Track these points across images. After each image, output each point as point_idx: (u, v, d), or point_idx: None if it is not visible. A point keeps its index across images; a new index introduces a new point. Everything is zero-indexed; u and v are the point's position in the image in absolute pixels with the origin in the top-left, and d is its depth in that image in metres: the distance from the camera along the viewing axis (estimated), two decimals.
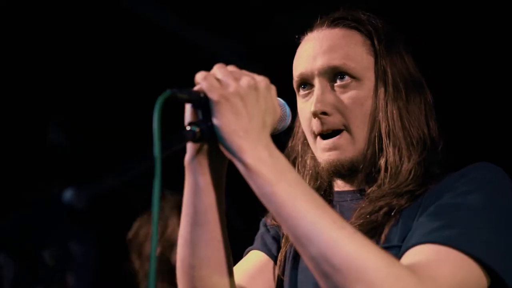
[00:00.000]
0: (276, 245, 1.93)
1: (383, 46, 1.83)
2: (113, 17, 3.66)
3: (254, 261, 1.93)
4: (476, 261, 1.48)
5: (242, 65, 1.53)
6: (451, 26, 3.23)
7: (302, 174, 1.91)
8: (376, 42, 1.83)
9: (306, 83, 1.85)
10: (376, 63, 1.82)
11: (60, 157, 3.73)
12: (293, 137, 1.97)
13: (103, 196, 1.26)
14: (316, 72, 1.81)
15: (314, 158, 1.90)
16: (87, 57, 3.79)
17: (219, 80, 1.45)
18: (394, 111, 1.77)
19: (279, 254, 1.90)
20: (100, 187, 1.26)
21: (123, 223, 3.36)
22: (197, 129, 1.44)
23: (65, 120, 3.83)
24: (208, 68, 1.52)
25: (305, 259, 1.43)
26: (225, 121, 1.42)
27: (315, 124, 1.80)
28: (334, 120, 1.79)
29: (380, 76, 1.80)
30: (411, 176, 1.73)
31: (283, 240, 1.92)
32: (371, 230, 1.68)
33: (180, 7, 3.71)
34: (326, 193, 1.89)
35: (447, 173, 1.73)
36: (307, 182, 1.89)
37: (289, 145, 1.97)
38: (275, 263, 1.91)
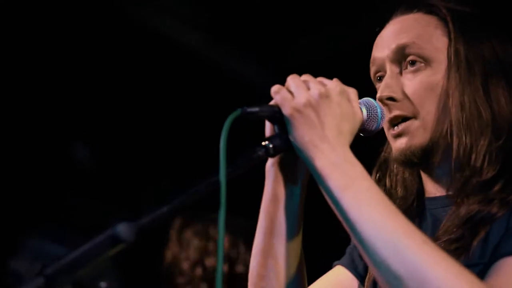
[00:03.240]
0: (363, 263, 1.81)
1: (458, 28, 1.72)
2: (138, 37, 3.74)
3: (336, 278, 1.82)
4: None
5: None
6: None
7: (391, 181, 1.81)
8: (450, 25, 1.72)
9: (381, 76, 1.77)
10: (449, 45, 1.71)
11: (86, 176, 3.74)
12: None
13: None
14: (386, 58, 1.74)
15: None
16: (114, 77, 3.84)
17: (291, 92, 1.48)
18: (466, 98, 1.66)
19: (367, 276, 1.78)
20: (149, 220, 1.22)
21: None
22: (270, 145, 1.47)
23: (92, 139, 3.85)
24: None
25: (370, 267, 1.43)
26: (299, 133, 1.46)
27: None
28: (403, 107, 1.69)
29: (453, 59, 1.70)
30: (485, 164, 1.61)
31: None
32: (457, 248, 1.56)
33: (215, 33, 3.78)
34: (418, 200, 1.77)
35: None
36: (396, 189, 1.80)
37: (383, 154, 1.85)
38: (361, 283, 1.81)
